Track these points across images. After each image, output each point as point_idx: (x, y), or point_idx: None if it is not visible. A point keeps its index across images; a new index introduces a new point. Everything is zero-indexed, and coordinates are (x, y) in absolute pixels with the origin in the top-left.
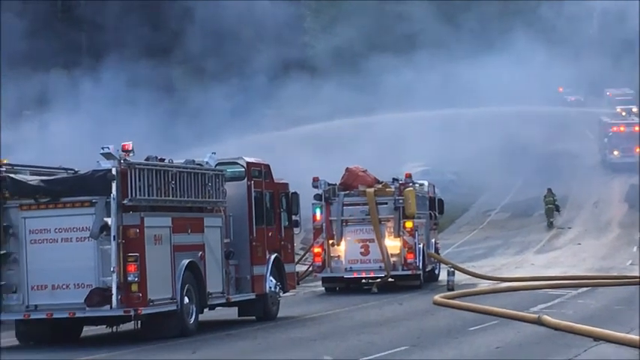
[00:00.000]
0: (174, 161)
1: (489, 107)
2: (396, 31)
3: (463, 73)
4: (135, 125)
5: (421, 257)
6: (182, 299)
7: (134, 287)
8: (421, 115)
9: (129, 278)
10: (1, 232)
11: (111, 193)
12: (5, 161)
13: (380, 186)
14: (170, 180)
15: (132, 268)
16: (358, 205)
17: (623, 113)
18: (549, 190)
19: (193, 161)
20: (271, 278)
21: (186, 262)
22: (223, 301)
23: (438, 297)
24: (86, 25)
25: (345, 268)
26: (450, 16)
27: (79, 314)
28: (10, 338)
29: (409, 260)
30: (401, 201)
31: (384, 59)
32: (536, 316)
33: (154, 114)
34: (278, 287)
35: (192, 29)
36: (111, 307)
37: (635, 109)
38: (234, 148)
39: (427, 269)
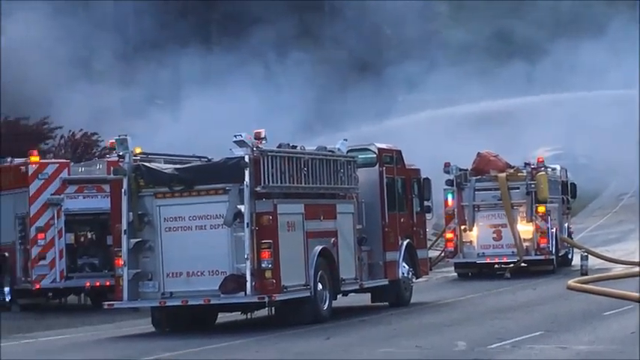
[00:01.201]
0: (306, 148)
1: (620, 90)
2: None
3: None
4: (269, 112)
5: (554, 242)
6: (315, 286)
7: (268, 274)
8: (553, 98)
9: (263, 265)
10: (136, 220)
11: (244, 180)
12: (139, 150)
13: (512, 171)
14: (302, 167)
15: (265, 254)
16: (490, 190)
17: None
18: None
19: (325, 148)
20: (404, 264)
21: (319, 248)
22: (356, 287)
23: (571, 282)
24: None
25: (478, 254)
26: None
27: (213, 301)
28: (146, 325)
29: (542, 245)
30: (533, 186)
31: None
32: None
33: (290, 100)
34: (411, 273)
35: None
36: (245, 294)
37: None
38: (365, 133)
39: (560, 254)
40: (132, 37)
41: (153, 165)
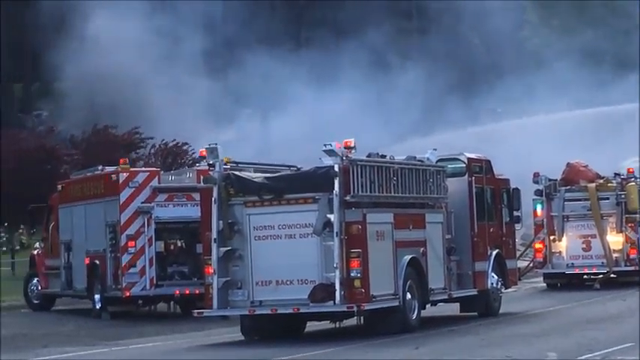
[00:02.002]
0: (395, 157)
1: None
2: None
3: None
4: (355, 118)
5: None
6: (404, 295)
7: (357, 283)
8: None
9: (352, 274)
10: (226, 229)
11: (333, 189)
12: (229, 159)
13: (601, 181)
14: (392, 176)
15: (355, 264)
16: (579, 200)
17: None
18: None
19: (415, 157)
20: (493, 274)
21: (408, 258)
22: (445, 297)
23: None
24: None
25: (567, 264)
26: None
27: (303, 310)
28: (235, 333)
29: (632, 256)
30: (623, 196)
31: None
32: None
33: (384, 108)
34: (500, 283)
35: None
36: (334, 303)
37: None
38: (457, 142)
39: None
40: (220, 41)
41: (243, 174)
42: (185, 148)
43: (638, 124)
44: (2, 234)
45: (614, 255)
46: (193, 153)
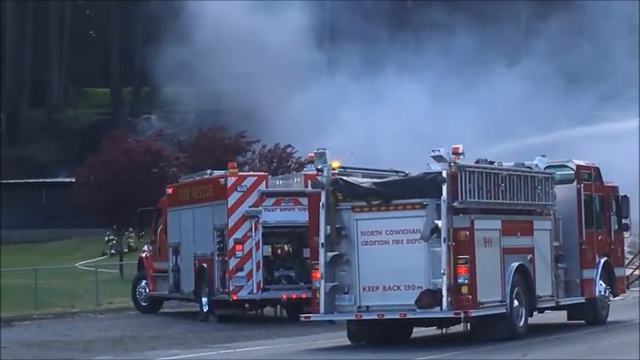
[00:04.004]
0: (502, 164)
1: None
2: None
3: None
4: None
5: None
6: (512, 302)
7: (464, 289)
8: None
9: (459, 280)
10: (333, 234)
11: (441, 195)
12: (337, 164)
13: None
14: (500, 183)
15: (462, 270)
16: None
17: None
18: None
19: (523, 164)
20: (601, 282)
21: (515, 264)
22: (552, 304)
23: None
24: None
25: None
26: None
27: (409, 315)
28: (341, 338)
29: None
30: None
31: None
32: None
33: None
34: (607, 291)
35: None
36: (441, 309)
37: None
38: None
39: None
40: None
41: (351, 179)
42: (289, 151)
43: None
44: (111, 237)
45: None
46: (299, 157)
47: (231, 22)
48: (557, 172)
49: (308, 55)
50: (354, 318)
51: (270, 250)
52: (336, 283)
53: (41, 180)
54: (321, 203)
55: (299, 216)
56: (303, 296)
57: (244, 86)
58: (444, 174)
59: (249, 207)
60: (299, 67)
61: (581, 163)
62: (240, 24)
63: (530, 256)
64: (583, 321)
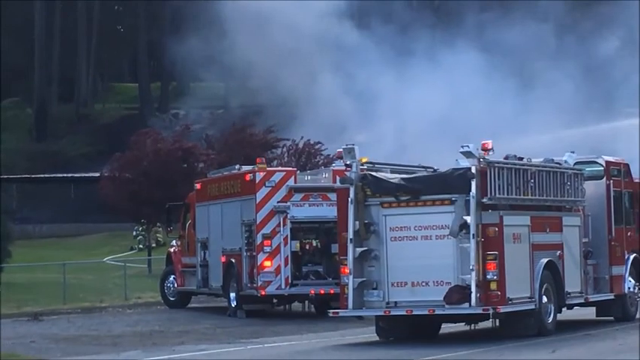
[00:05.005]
0: (532, 160)
1: None
2: None
3: None
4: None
5: None
6: (540, 298)
7: (493, 285)
8: None
9: (488, 276)
10: (362, 229)
11: (470, 191)
12: (365, 159)
13: None
14: (529, 179)
15: (491, 266)
16: None
17: None
18: None
19: (552, 160)
20: (630, 279)
21: (544, 261)
22: (581, 300)
23: None
24: None
25: None
26: None
27: (438, 311)
28: (369, 334)
29: None
30: None
31: None
32: None
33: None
34: (637, 287)
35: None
36: (470, 305)
37: None
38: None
39: None
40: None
41: (379, 174)
42: (317, 147)
43: None
44: (139, 231)
45: None
46: (328, 154)
47: (258, 11)
48: (587, 169)
49: (337, 41)
50: (382, 314)
51: (298, 245)
52: (364, 279)
53: (69, 175)
54: (349, 199)
55: (327, 211)
56: (332, 292)
57: (271, 81)
58: (473, 170)
59: (278, 202)
60: (327, 57)
61: (611, 159)
62: (269, 15)
63: (559, 252)
64: (612, 317)
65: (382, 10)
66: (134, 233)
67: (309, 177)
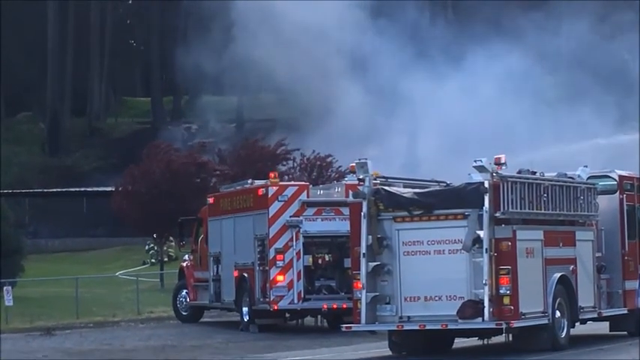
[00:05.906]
0: (545, 174)
1: None
2: None
3: None
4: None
5: None
6: (554, 313)
7: (506, 300)
8: None
9: (501, 291)
10: (375, 244)
11: (483, 205)
12: (378, 174)
13: None
14: (542, 193)
15: (504, 281)
16: None
17: None
18: None
19: (565, 174)
20: None
21: (557, 275)
22: (595, 315)
23: None
24: None
25: None
26: None
27: (451, 326)
28: (382, 348)
29: None
30: None
31: None
32: None
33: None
34: None
35: None
36: (483, 320)
37: None
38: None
39: None
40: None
41: (392, 189)
42: (329, 160)
43: None
44: (152, 246)
45: None
46: (339, 167)
47: (273, 23)
48: (600, 183)
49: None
50: (395, 328)
51: (310, 259)
52: (377, 294)
53: (82, 189)
54: (362, 213)
55: (340, 226)
56: (344, 306)
57: (284, 96)
58: (486, 184)
59: (290, 217)
60: (340, 68)
61: (624, 173)
62: (282, 30)
63: (572, 266)
64: (625, 332)
65: (401, 18)
66: (146, 247)
67: (321, 191)
